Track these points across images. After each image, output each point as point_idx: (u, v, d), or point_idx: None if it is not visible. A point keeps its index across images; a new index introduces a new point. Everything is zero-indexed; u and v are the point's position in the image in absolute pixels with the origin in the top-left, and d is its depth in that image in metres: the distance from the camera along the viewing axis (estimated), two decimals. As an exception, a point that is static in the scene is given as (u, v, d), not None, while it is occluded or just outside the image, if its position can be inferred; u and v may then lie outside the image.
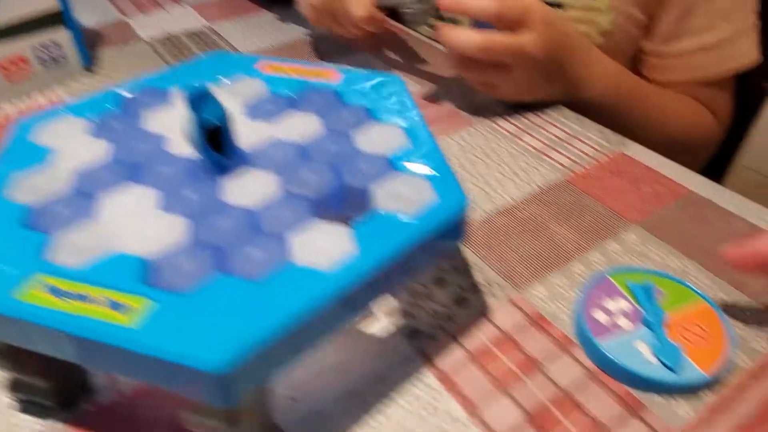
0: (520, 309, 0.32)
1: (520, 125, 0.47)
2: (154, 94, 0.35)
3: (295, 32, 0.63)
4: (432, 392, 0.28)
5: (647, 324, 0.30)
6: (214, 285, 0.23)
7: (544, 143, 0.45)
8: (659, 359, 0.28)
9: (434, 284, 0.34)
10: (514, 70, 0.44)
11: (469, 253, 0.36)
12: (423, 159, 0.29)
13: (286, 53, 0.59)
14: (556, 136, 0.46)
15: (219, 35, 0.62)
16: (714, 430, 0.27)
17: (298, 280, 0.23)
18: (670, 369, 0.27)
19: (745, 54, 0.54)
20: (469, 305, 0.33)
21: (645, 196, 0.40)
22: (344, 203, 0.28)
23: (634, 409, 0.27)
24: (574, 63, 0.46)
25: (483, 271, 0.35)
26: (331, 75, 0.36)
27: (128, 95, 0.34)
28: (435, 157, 0.29)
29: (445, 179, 0.28)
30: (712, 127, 0.58)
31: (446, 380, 0.29)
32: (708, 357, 0.28)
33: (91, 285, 0.22)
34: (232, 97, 0.34)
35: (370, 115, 0.33)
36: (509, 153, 0.44)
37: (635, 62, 0.58)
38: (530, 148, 0.45)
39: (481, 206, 0.39)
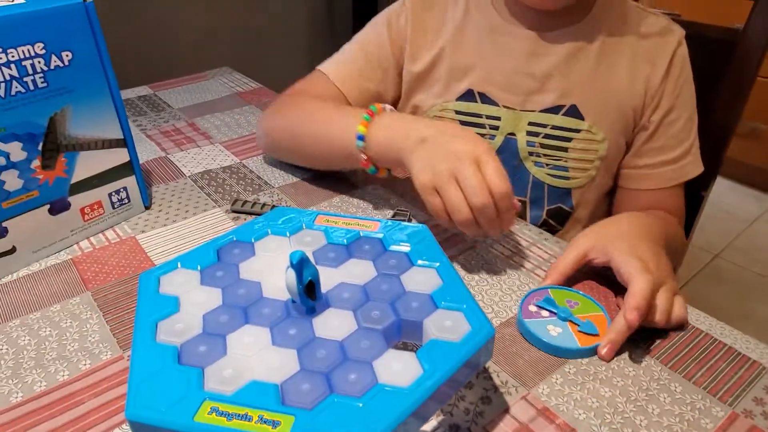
0: (531, 404, 0.42)
1: (512, 249, 0.59)
2: (240, 246, 0.45)
3: (307, 171, 0.75)
4: (474, 474, 0.38)
5: (564, 319, 0.48)
6: (330, 402, 0.32)
7: (532, 263, 0.57)
8: (557, 335, 0.47)
9: (465, 387, 0.44)
10: None
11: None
12: (455, 296, 0.40)
13: (306, 186, 0.70)
14: (541, 257, 0.58)
15: (248, 168, 0.74)
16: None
17: (387, 396, 0.33)
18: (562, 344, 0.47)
19: (694, 166, 0.71)
20: (492, 403, 0.43)
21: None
22: (404, 333, 0.38)
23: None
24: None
25: (500, 375, 0.45)
26: (373, 225, 0.48)
27: (221, 248, 0.45)
28: (463, 294, 0.40)
29: (474, 312, 0.39)
30: (681, 230, 0.73)
31: (483, 464, 0.38)
32: (599, 319, 0.48)
33: (245, 406, 0.32)
34: (302, 246, 0.45)
35: (410, 259, 0.44)
36: (506, 272, 0.56)
37: (612, 186, 0.75)
38: (522, 268, 0.57)
39: (490, 319, 0.50)
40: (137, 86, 1.01)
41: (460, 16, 0.73)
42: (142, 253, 0.59)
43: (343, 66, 0.75)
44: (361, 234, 0.47)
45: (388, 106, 0.62)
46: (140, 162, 0.75)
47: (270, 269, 0.43)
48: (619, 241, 0.52)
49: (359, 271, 0.43)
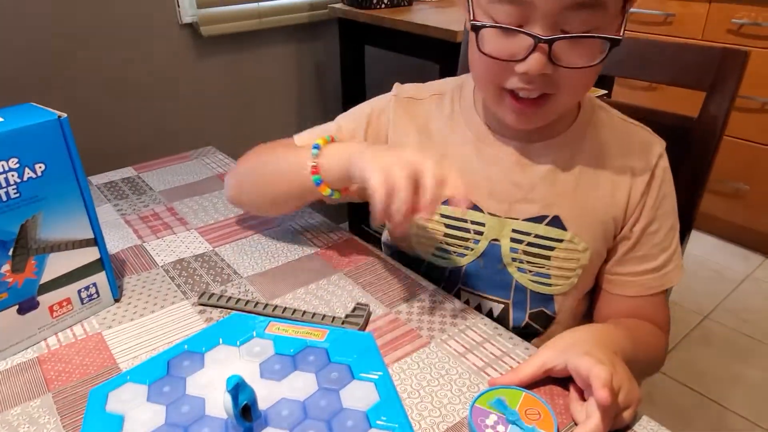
0: None
1: (466, 345, 0.61)
2: (191, 357, 0.47)
3: (282, 257, 0.77)
4: None
5: (512, 422, 0.49)
6: None
7: (484, 361, 0.59)
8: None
9: (403, 499, 0.45)
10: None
11: (428, 469, 0.47)
12: (390, 413, 0.42)
13: (273, 276, 0.73)
14: (493, 354, 0.60)
15: (219, 257, 0.77)
16: None
17: None
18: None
19: (676, 274, 0.73)
20: None
21: (558, 408, 0.53)
22: (336, 454, 0.40)
23: None
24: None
25: (439, 486, 0.46)
26: (321, 334, 0.50)
27: (172, 359, 0.47)
28: (398, 412, 0.42)
29: (406, 432, 0.40)
30: (664, 341, 0.74)
31: None
32: (548, 424, 0.49)
33: None
34: (251, 357, 0.47)
35: (351, 372, 0.46)
36: (457, 372, 0.57)
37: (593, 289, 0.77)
38: (473, 366, 0.58)
39: (437, 424, 0.51)
40: (122, 167, 1.05)
41: (444, 122, 0.75)
42: (106, 351, 0.60)
43: (313, 137, 0.76)
44: (308, 343, 0.49)
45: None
46: (115, 251, 0.78)
47: (215, 384, 0.44)
48: (575, 347, 0.55)
49: (301, 384, 0.45)
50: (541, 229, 0.71)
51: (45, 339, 0.62)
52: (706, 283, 2.02)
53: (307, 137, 0.78)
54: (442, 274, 0.77)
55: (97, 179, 0.99)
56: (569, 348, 0.55)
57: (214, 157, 1.10)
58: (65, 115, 0.58)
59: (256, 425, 0.41)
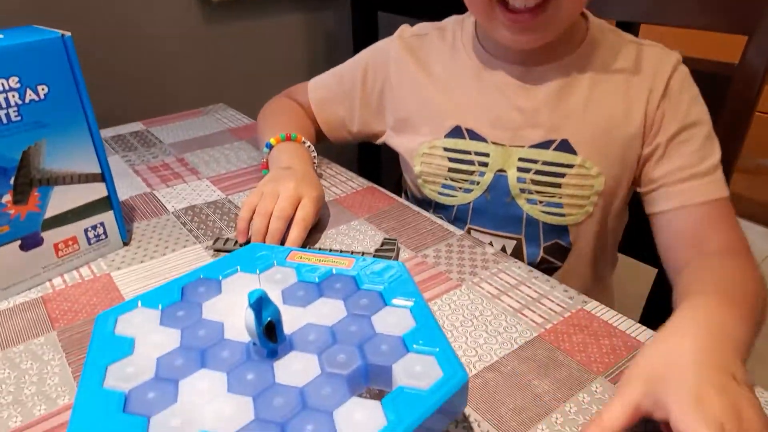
0: (513, 457, 0.39)
1: (499, 287, 0.57)
2: (207, 284, 0.43)
3: (300, 201, 0.73)
4: None
5: None
6: (281, 457, 0.30)
7: (520, 303, 0.54)
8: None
9: (440, 437, 0.41)
10: None
11: (467, 409, 0.43)
12: (428, 338, 0.37)
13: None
14: (529, 296, 0.55)
15: (234, 205, 0.73)
16: None
17: (346, 450, 0.30)
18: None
19: (724, 186, 0.63)
20: (470, 455, 0.39)
21: (605, 348, 0.49)
22: (372, 378, 0.36)
23: None
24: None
25: (481, 425, 0.42)
26: (347, 262, 0.45)
27: (186, 285, 0.43)
28: (437, 337, 0.38)
29: (447, 356, 0.36)
30: (759, 273, 0.56)
31: None
32: None
33: (188, 461, 0.29)
34: (271, 285, 0.43)
35: (382, 299, 0.42)
36: (492, 313, 0.53)
37: (619, 219, 0.71)
38: (509, 308, 0.54)
39: (472, 365, 0.47)
40: (130, 122, 1.01)
41: (447, 54, 0.73)
42: (115, 291, 0.56)
43: (321, 85, 0.85)
44: (334, 271, 0.45)
45: (308, 143, 0.76)
46: (124, 198, 0.74)
47: (234, 309, 0.40)
48: (678, 384, 0.38)
49: (328, 311, 0.41)
50: (549, 155, 0.67)
51: (50, 279, 0.58)
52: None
53: (313, 84, 0.86)
54: (449, 215, 0.74)
55: (104, 133, 0.95)
56: (669, 386, 0.38)
57: (226, 113, 1.06)
58: (69, 33, 0.53)
59: (280, 349, 0.37)
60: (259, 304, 0.35)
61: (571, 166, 0.66)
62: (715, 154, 0.64)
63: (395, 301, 0.41)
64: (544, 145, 0.67)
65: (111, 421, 0.31)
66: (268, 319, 0.35)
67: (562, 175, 0.67)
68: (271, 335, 0.36)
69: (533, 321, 0.52)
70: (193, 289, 0.43)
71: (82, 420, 0.32)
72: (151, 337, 0.38)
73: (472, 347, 0.49)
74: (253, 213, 0.62)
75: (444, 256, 0.62)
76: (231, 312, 0.40)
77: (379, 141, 0.82)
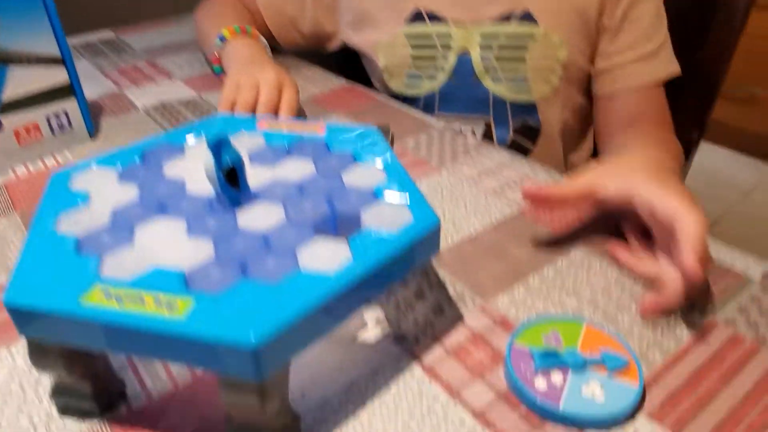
0: (489, 314, 0.38)
1: (480, 171, 0.55)
2: (171, 147, 0.41)
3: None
4: (419, 382, 0.34)
5: (575, 367, 0.33)
6: (240, 287, 0.28)
7: (502, 184, 0.53)
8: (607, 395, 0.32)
9: (415, 299, 0.40)
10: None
11: (442, 273, 0.42)
12: (400, 190, 0.36)
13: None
14: (512, 178, 0.54)
15: (209, 103, 0.70)
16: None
17: (308, 280, 0.28)
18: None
19: (671, 64, 0.65)
20: (445, 314, 0.38)
21: (586, 221, 0.47)
22: (339, 226, 0.34)
23: (584, 386, 0.33)
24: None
25: (456, 287, 0.41)
26: (318, 129, 0.43)
27: (148, 149, 0.40)
28: (409, 188, 0.36)
29: (418, 204, 0.34)
30: (677, 146, 0.62)
31: (430, 372, 0.34)
32: (629, 371, 0.33)
33: (143, 290, 0.28)
34: (239, 148, 0.41)
35: (355, 158, 0.40)
36: (472, 194, 0.52)
37: (584, 92, 0.71)
38: (490, 189, 0.52)
39: (449, 237, 0.46)
40: (101, 29, 0.96)
41: None
42: (81, 178, 0.54)
43: None
44: (305, 137, 0.42)
45: (262, 38, 0.72)
46: (93, 98, 0.71)
47: (198, 169, 0.38)
48: (640, 172, 0.42)
49: (296, 169, 0.39)
50: (511, 27, 0.66)
51: (12, 168, 0.56)
52: (716, 192, 1.96)
53: None
54: (418, 105, 0.72)
55: (72, 40, 0.91)
56: (631, 172, 0.42)
57: (201, 23, 1.01)
58: None
59: (244, 200, 0.35)
60: (219, 146, 0.33)
61: (533, 37, 0.65)
62: (662, 31, 0.65)
63: (367, 160, 0.39)
64: (506, 18, 0.66)
65: (62, 261, 0.30)
66: (230, 164, 0.33)
67: (525, 48, 0.66)
68: (233, 182, 0.34)
69: (514, 200, 0.51)
70: (155, 152, 0.40)
71: (31, 261, 0.30)
72: (108, 192, 0.36)
73: (449, 221, 0.48)
74: (232, 107, 0.59)
75: (425, 145, 0.60)
76: (195, 172, 0.38)
77: (332, 46, 0.79)
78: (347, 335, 0.37)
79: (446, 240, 0.45)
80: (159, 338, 0.26)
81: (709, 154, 2.16)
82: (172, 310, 0.27)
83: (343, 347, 0.36)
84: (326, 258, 0.30)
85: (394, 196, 0.35)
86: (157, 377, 0.34)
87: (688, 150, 0.80)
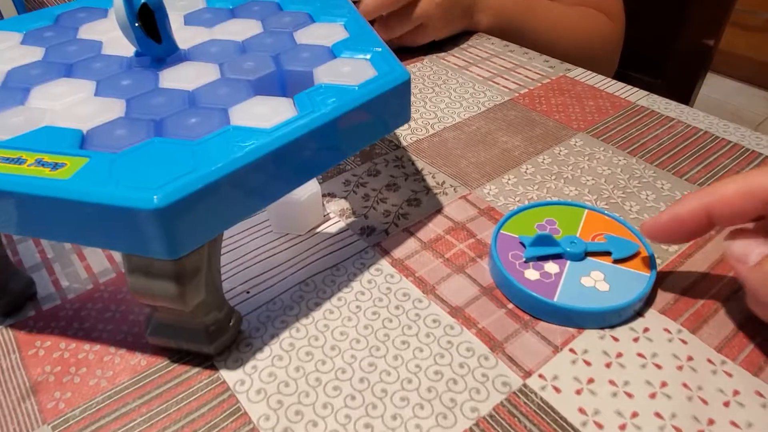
0: (472, 204, 0.32)
1: (468, 59, 0.48)
2: (90, 11, 0.34)
3: None
4: (387, 277, 0.28)
5: (573, 257, 0.27)
6: (149, 144, 0.22)
7: (491, 72, 0.46)
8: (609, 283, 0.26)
9: (387, 189, 0.34)
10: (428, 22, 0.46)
11: (420, 163, 0.36)
12: (363, 45, 0.29)
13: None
14: (503, 67, 0.47)
15: None
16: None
17: (236, 134, 0.22)
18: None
19: None
20: (421, 204, 0.32)
21: (588, 108, 0.41)
22: (288, 87, 0.28)
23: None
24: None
25: (435, 176, 0.35)
26: None
27: (63, 11, 0.33)
28: (375, 42, 0.29)
29: (385, 59, 0.28)
30: (610, 29, 0.61)
31: (400, 266, 0.29)
32: (641, 260, 0.27)
33: (23, 150, 0.21)
34: (172, 13, 0.34)
35: (311, 18, 0.33)
36: (457, 82, 0.45)
37: None
38: (477, 77, 0.45)
39: (430, 125, 0.39)
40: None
41: None
42: None
43: None
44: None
45: None
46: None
47: (121, 34, 0.31)
48: None
49: (239, 29, 0.32)
50: None
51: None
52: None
53: None
54: None
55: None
56: None
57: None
58: None
59: (170, 59, 0.28)
60: (131, -17, 0.26)
61: None
62: None
63: (325, 18, 0.32)
64: None
65: (-72, 119, 0.23)
66: (143, 3, 0.26)
67: None
68: (152, 32, 0.27)
69: (506, 87, 0.44)
70: (71, 14, 0.33)
71: None
72: (5, 55, 0.29)
73: (430, 111, 0.41)
74: None
75: (405, 36, 0.52)
76: (115, 38, 0.31)
77: None
78: (303, 226, 0.31)
79: (427, 128, 0.39)
80: (41, 206, 0.20)
81: (718, 86, 2.06)
82: (57, 171, 0.20)
83: (297, 241, 0.30)
84: (265, 114, 0.24)
85: (355, 52, 0.29)
86: (75, 276, 0.29)
87: (703, 66, 0.73)
